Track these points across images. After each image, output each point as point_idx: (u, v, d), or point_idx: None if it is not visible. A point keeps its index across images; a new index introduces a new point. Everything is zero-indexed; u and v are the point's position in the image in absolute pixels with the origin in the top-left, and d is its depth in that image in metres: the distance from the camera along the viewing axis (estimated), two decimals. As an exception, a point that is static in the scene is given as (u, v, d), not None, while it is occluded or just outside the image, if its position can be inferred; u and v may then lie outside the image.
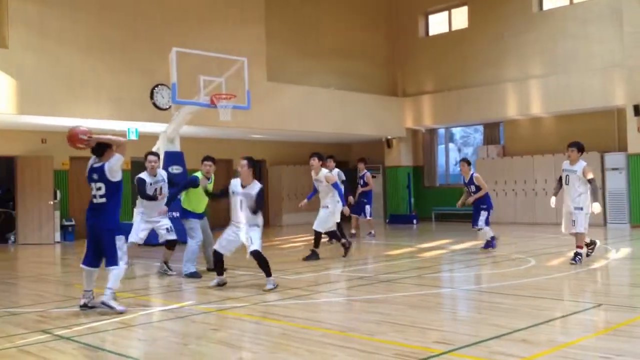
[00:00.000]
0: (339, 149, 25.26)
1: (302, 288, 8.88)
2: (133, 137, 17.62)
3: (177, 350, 5.88)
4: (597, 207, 10.21)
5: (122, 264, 7.50)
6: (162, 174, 10.88)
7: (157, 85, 16.72)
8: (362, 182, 16.81)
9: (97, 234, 7.47)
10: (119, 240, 7.48)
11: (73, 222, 18.22)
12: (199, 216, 10.63)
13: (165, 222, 10.66)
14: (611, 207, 18.65)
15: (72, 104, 15.47)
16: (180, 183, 10.89)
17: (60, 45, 15.48)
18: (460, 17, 23.21)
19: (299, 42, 21.59)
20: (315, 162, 12.10)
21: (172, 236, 10.62)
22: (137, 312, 7.57)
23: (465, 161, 13.81)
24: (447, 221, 22.51)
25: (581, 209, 10.50)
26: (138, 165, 19.48)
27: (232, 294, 8.71)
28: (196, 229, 10.50)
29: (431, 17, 24.11)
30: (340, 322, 6.75)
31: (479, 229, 13.23)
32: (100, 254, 7.54)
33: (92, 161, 7.66)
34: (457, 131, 24.85)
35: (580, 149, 10.71)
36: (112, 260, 7.42)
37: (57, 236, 17.61)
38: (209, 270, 10.73)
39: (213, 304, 7.85)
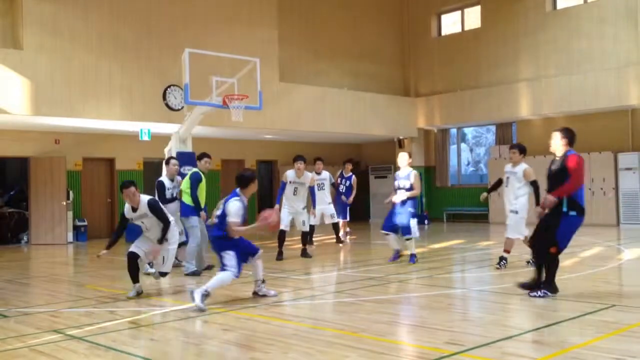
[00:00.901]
0: (350, 149, 25.27)
1: (313, 288, 8.87)
2: (145, 137, 17.70)
3: (189, 350, 5.90)
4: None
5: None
6: (177, 178, 11.28)
7: (169, 86, 16.78)
8: (348, 183, 15.70)
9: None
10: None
11: (85, 223, 18.32)
12: (199, 213, 10.80)
13: (179, 226, 10.81)
14: (624, 207, 18.53)
15: (85, 104, 15.55)
16: (192, 183, 10.98)
17: (74, 47, 15.57)
18: (473, 17, 23.13)
19: (311, 43, 21.59)
20: (302, 165, 12.33)
21: (182, 239, 10.74)
22: (148, 312, 7.60)
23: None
24: (459, 221, 22.44)
25: (516, 212, 10.32)
26: (150, 166, 19.63)
27: (243, 294, 8.72)
28: (196, 228, 10.69)
29: (444, 17, 24.05)
30: (351, 323, 6.74)
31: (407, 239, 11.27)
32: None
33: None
34: (469, 131, 24.76)
35: (522, 150, 10.49)
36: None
37: (70, 236, 17.71)
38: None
39: (224, 304, 7.86)
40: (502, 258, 10.48)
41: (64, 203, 17.51)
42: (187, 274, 10.42)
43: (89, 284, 10.05)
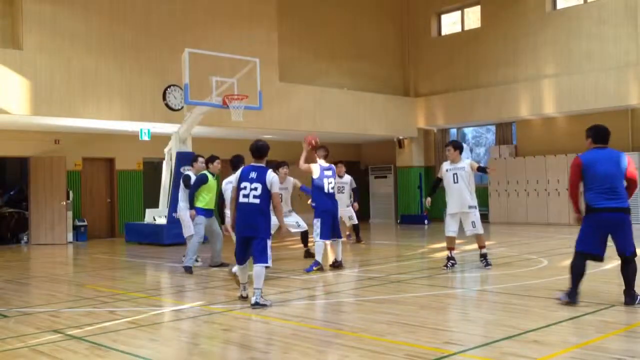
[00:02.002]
0: (350, 150, 25.28)
1: (312, 288, 8.88)
2: (145, 137, 17.71)
3: (188, 350, 5.90)
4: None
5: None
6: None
7: (169, 86, 16.78)
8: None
9: None
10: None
11: (85, 223, 18.32)
12: (208, 213, 11.06)
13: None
14: (625, 207, 18.51)
15: (85, 104, 15.55)
16: (193, 183, 11.11)
17: (74, 47, 15.58)
18: (473, 17, 23.14)
19: (311, 43, 21.60)
20: (286, 170, 12.31)
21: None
22: (148, 312, 7.60)
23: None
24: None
25: (475, 207, 10.39)
26: (150, 166, 19.64)
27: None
28: (201, 226, 10.86)
29: (444, 17, 24.05)
30: (351, 323, 6.74)
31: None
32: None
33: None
34: (469, 131, 24.72)
35: (457, 146, 10.45)
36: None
37: (70, 236, 17.71)
38: (210, 266, 11.02)
39: (224, 304, 7.86)
40: (483, 255, 10.52)
41: (64, 203, 17.50)
42: (183, 267, 10.72)
43: (89, 284, 10.05)
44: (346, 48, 22.48)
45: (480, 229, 10.41)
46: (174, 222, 15.87)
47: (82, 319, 7.17)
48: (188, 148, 16.48)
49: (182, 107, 16.52)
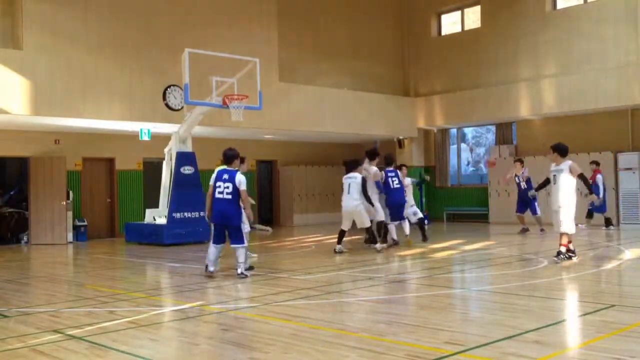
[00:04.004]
0: (350, 149, 25.27)
1: (313, 288, 8.87)
2: (145, 137, 17.71)
3: (188, 350, 5.89)
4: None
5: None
6: None
7: (169, 86, 16.78)
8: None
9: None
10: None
11: (85, 223, 18.31)
12: None
13: None
14: (624, 207, 18.53)
15: (84, 104, 15.55)
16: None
17: (74, 47, 15.58)
18: (473, 17, 23.14)
19: (311, 43, 21.60)
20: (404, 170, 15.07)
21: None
22: (148, 312, 7.60)
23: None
24: (459, 221, 22.45)
25: (561, 207, 10.69)
26: (150, 166, 19.63)
27: (243, 294, 8.73)
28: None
29: (444, 17, 24.05)
30: (351, 323, 6.74)
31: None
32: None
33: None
34: (469, 131, 24.74)
35: (554, 149, 10.86)
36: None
37: (70, 236, 17.70)
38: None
39: (224, 304, 7.86)
40: (558, 252, 10.86)
41: (64, 203, 17.50)
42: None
43: (89, 284, 10.05)
44: (346, 48, 22.48)
45: (561, 228, 10.66)
46: (174, 222, 15.92)
47: (82, 319, 7.17)
48: (188, 148, 16.49)
49: (182, 107, 16.52)
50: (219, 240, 9.89)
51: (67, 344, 5.99)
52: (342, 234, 13.27)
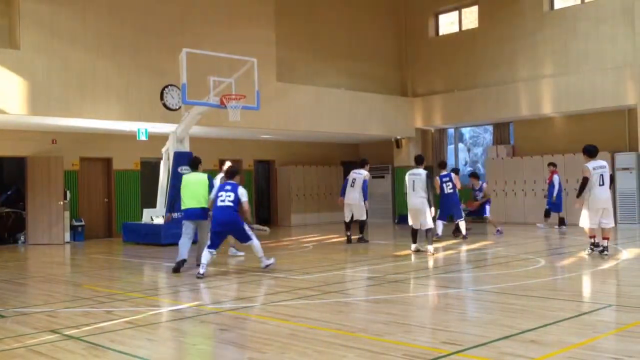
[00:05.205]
0: (347, 150, 25.30)
1: (310, 288, 8.88)
2: (143, 137, 17.69)
3: (186, 350, 5.89)
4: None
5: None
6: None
7: (167, 86, 16.77)
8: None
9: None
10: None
11: (82, 223, 18.28)
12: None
13: None
14: (621, 207, 18.55)
15: (82, 104, 15.53)
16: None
17: (71, 46, 15.55)
18: (470, 17, 23.15)
19: (309, 43, 21.59)
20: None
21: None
22: (146, 312, 7.59)
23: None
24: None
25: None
26: (147, 166, 19.62)
27: (241, 294, 8.72)
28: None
29: (441, 17, 24.06)
30: (348, 323, 6.74)
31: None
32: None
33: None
34: (467, 131, 24.73)
35: (584, 151, 11.63)
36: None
37: (67, 236, 17.67)
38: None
39: (221, 304, 7.86)
40: (596, 245, 11.55)
41: (61, 203, 17.47)
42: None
43: (87, 284, 10.04)
44: (344, 48, 22.48)
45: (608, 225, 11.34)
46: (171, 222, 15.89)
47: (80, 319, 7.17)
48: (186, 148, 16.47)
49: (179, 107, 16.51)
50: (214, 246, 10.30)
51: (65, 344, 5.99)
52: (414, 233, 12.96)
